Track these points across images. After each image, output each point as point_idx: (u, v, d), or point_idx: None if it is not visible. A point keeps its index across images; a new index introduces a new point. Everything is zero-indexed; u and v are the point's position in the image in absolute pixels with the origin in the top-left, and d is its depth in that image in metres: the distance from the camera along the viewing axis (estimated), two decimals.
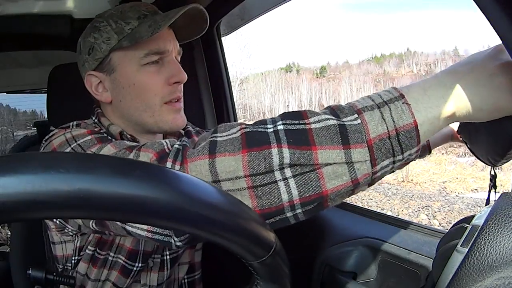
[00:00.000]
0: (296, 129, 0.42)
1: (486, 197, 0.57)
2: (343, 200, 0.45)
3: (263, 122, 0.46)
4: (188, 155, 0.46)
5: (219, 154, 0.43)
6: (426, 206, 5.20)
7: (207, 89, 1.37)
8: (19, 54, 1.89)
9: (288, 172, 0.41)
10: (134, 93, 0.69)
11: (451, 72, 0.45)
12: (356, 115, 0.42)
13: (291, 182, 0.41)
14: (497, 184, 0.58)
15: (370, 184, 0.44)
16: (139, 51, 0.67)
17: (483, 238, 0.32)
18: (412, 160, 0.46)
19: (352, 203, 0.98)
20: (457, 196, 5.65)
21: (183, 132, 0.85)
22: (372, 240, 0.79)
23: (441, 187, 6.18)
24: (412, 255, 0.70)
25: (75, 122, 0.70)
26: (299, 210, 0.42)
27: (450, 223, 4.47)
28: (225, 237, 0.28)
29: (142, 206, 0.24)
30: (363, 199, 5.81)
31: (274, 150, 0.41)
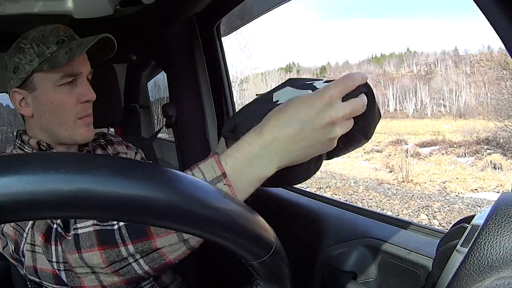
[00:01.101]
0: (136, 225, 0.51)
1: None
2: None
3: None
4: (64, 247, 0.55)
5: (84, 249, 0.53)
6: (426, 206, 5.20)
7: (207, 89, 1.37)
8: None
9: (137, 256, 0.51)
10: (52, 110, 0.79)
11: (279, 134, 0.45)
12: None
13: (141, 261, 0.52)
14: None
15: None
16: (56, 74, 0.77)
17: (483, 238, 0.32)
18: None
19: (352, 203, 0.98)
20: (457, 196, 5.65)
21: (103, 142, 0.96)
22: (372, 240, 0.78)
23: (441, 187, 6.18)
24: (412, 255, 0.70)
25: None
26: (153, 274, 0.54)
27: (450, 223, 4.47)
28: (225, 237, 0.28)
29: (143, 206, 0.24)
30: (363, 199, 5.81)
31: (122, 248, 0.51)
